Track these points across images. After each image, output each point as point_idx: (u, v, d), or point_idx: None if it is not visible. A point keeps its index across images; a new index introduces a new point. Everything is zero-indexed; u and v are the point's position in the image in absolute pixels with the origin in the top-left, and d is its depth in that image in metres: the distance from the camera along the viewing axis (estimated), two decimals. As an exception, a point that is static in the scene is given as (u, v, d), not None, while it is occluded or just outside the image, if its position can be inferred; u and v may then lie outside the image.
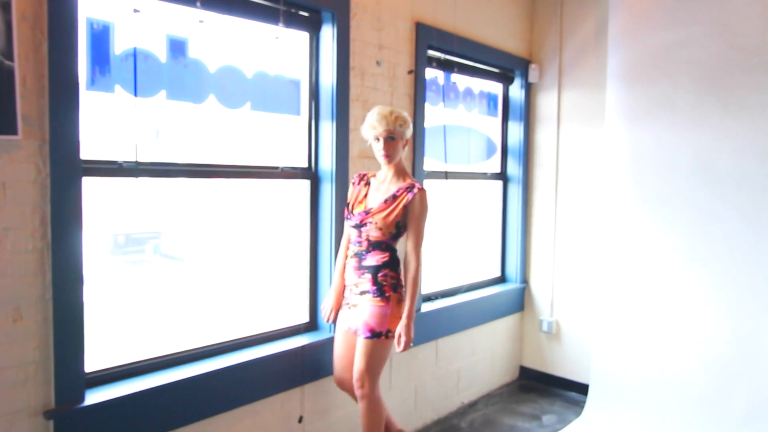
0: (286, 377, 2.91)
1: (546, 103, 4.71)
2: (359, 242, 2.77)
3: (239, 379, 2.68)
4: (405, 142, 2.78)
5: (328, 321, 2.92)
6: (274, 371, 2.85)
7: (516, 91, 4.76)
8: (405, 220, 2.71)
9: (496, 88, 4.73)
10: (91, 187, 2.26)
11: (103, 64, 2.36)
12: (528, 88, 4.75)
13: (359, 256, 2.76)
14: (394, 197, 2.70)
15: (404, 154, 2.84)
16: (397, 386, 3.64)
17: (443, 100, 4.03)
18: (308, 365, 3.00)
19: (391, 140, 2.72)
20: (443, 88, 4.11)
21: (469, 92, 4.41)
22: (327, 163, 3.18)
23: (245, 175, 2.92)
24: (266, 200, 3.15)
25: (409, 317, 2.66)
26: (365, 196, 2.84)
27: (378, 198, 2.77)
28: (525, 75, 4.71)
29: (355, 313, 2.76)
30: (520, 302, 4.84)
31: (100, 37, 2.34)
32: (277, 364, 2.87)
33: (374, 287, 2.69)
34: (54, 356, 2.11)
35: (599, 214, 4.38)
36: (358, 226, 2.76)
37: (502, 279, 4.86)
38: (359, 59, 3.27)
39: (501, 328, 4.63)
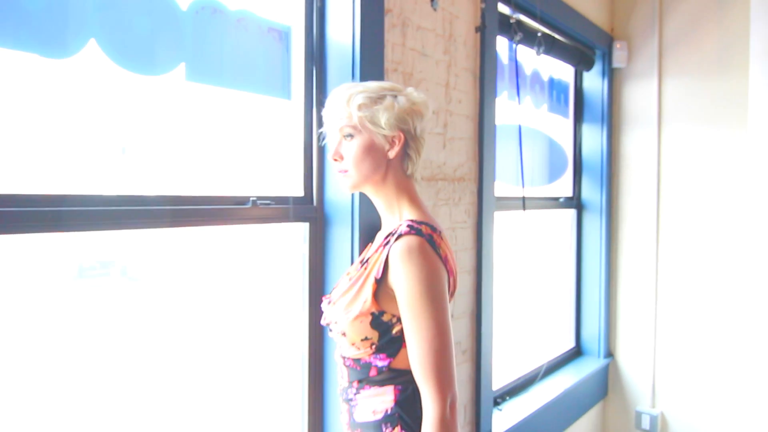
0: None
1: (638, 96, 3.27)
2: (340, 371, 1.28)
3: None
4: (392, 138, 1.22)
5: None
6: None
7: (593, 80, 3.31)
8: (393, 308, 1.18)
9: (566, 73, 3.27)
10: None
11: None
12: (611, 75, 3.31)
13: (347, 401, 1.26)
14: (366, 261, 1.25)
15: (408, 167, 1.26)
16: None
17: (516, 88, 2.53)
18: None
19: (348, 138, 1.23)
20: (510, 70, 2.62)
21: (536, 78, 2.94)
22: (340, 191, 1.65)
23: (189, 219, 1.36)
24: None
25: None
26: (355, 268, 1.35)
27: (354, 270, 1.30)
28: (608, 57, 3.26)
29: None
30: (603, 385, 3.34)
31: None
32: None
33: None
34: None
35: (734, 259, 2.93)
36: (328, 327, 1.29)
37: (577, 352, 3.36)
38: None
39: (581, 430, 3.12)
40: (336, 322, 1.21)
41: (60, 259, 1.29)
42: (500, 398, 2.56)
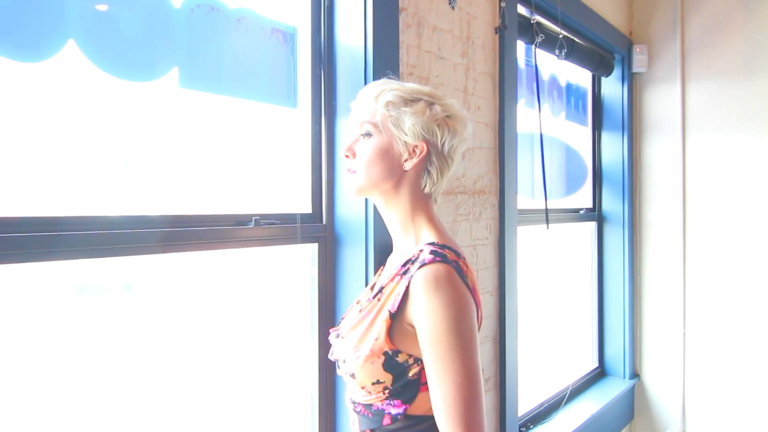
0: None
1: (660, 102, 3.11)
2: (351, 417, 1.12)
3: None
4: (413, 147, 1.06)
5: None
6: None
7: (612, 85, 3.15)
8: (411, 347, 1.01)
9: (584, 79, 3.11)
10: None
11: None
12: (631, 80, 3.15)
13: None
14: (379, 291, 1.07)
15: (426, 184, 1.09)
16: None
17: (537, 94, 2.37)
18: None
19: (366, 136, 1.09)
20: (528, 75, 2.47)
21: (554, 84, 2.79)
22: (352, 207, 1.49)
23: (190, 243, 1.20)
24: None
25: None
26: (365, 295, 1.21)
27: (364, 298, 1.16)
28: (627, 61, 3.11)
29: None
30: (630, 408, 3.15)
31: None
32: None
33: None
34: None
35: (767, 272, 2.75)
36: (336, 364, 1.13)
37: (601, 372, 3.17)
38: (413, -4, 1.62)
39: (609, 456, 2.92)
40: (345, 361, 1.04)
41: (56, 279, 1.13)
42: (524, 426, 2.37)
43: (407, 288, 0.98)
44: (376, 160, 1.05)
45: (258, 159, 1.44)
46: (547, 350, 2.88)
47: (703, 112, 2.99)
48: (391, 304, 0.99)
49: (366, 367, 0.99)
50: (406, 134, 1.04)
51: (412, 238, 1.08)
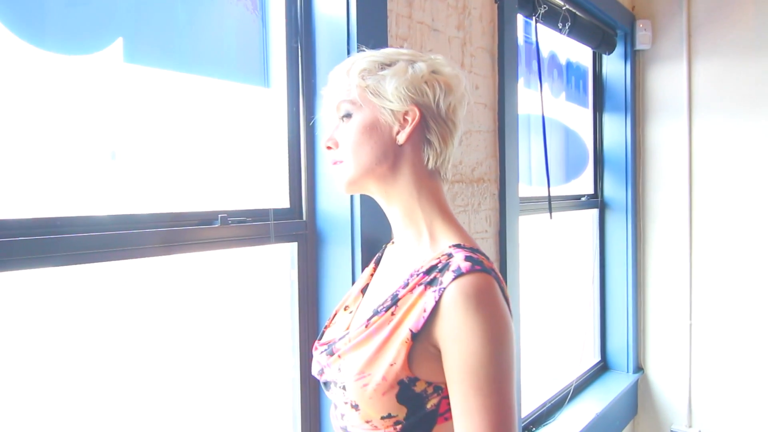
0: None
1: (665, 82, 2.93)
2: None
3: None
4: (402, 115, 0.87)
5: None
6: None
7: (614, 64, 2.97)
8: (432, 373, 0.82)
9: (584, 57, 2.93)
10: None
11: None
12: (634, 58, 2.97)
13: None
14: (393, 303, 0.85)
15: (428, 157, 0.90)
16: None
17: (538, 72, 2.18)
18: None
19: (346, 118, 0.90)
20: (528, 52, 2.28)
21: (554, 62, 2.60)
22: (336, 200, 1.31)
23: (160, 247, 1.00)
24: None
25: None
26: (354, 299, 1.02)
27: (366, 307, 0.97)
28: (630, 38, 2.93)
29: None
30: (633, 403, 3.01)
31: None
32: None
33: None
34: None
35: (781, 263, 2.60)
36: (326, 386, 0.93)
37: (603, 367, 3.02)
38: (402, -42, 1.42)
39: (613, 454, 2.78)
40: (343, 387, 0.85)
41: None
42: (527, 429, 2.22)
43: (437, 303, 0.79)
44: (363, 140, 0.87)
45: (225, 147, 1.24)
46: (549, 345, 2.73)
47: (711, 92, 2.81)
48: (414, 322, 0.80)
49: (376, 398, 0.81)
50: (390, 101, 0.86)
51: (425, 235, 0.89)
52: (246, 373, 1.33)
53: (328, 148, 0.91)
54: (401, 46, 1.40)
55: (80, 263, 0.96)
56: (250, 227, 1.20)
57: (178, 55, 1.09)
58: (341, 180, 0.90)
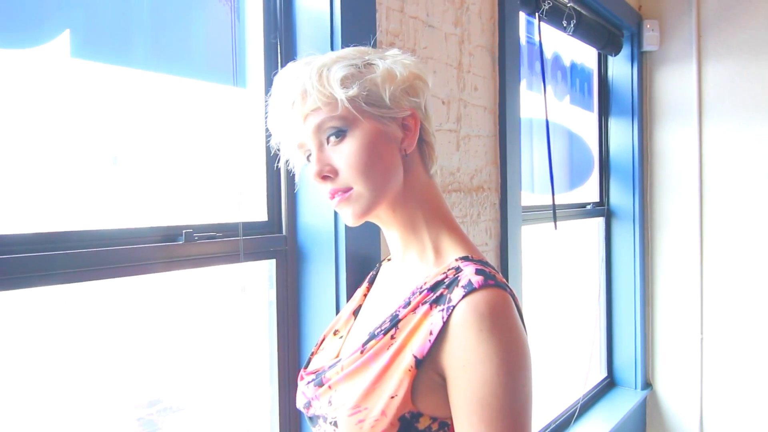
0: None
1: (673, 84, 2.80)
2: None
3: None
4: (403, 121, 0.76)
5: None
6: None
7: (621, 66, 2.84)
8: (436, 407, 0.70)
9: (589, 59, 2.80)
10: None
11: None
12: (641, 60, 2.84)
13: None
14: (393, 325, 0.73)
15: (430, 164, 0.82)
16: None
17: (542, 74, 2.05)
18: None
19: (335, 138, 0.75)
20: (530, 52, 2.15)
21: (558, 64, 2.47)
22: (319, 212, 1.18)
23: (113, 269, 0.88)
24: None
25: None
26: (345, 322, 0.89)
27: (360, 330, 0.84)
28: (637, 39, 2.80)
29: None
30: (641, 421, 2.87)
31: None
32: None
33: None
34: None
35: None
36: (312, 421, 0.80)
37: (610, 383, 2.88)
38: (393, -54, 1.30)
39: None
40: (334, 423, 0.73)
41: None
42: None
43: (445, 324, 0.68)
44: (374, 158, 0.74)
45: (193, 154, 1.11)
46: (553, 360, 2.59)
47: (722, 95, 2.69)
48: (419, 346, 0.69)
49: (373, 421, 0.69)
50: (390, 108, 0.74)
51: (429, 250, 0.78)
52: (218, 407, 1.19)
53: (324, 178, 0.76)
54: (392, 43, 1.28)
55: (17, 288, 0.83)
56: (221, 243, 1.07)
57: (136, 50, 0.97)
58: (356, 212, 0.76)
